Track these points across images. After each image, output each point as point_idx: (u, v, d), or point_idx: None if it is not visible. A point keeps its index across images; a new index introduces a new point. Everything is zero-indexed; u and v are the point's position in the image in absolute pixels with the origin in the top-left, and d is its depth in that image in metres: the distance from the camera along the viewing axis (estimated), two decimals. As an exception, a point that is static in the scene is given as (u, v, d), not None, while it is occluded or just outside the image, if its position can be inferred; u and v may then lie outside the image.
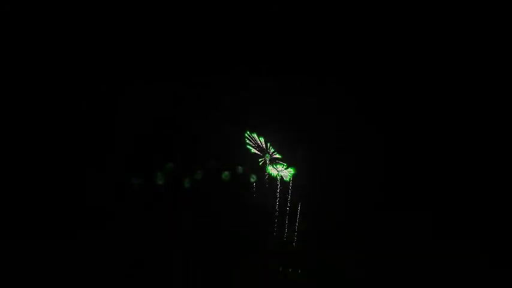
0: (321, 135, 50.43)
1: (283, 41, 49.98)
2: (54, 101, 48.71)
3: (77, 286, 44.74)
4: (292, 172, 49.25)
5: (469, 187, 48.85)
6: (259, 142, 49.48)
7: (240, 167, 49.24)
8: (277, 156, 49.35)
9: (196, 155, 50.00)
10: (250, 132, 49.43)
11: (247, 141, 49.31)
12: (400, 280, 46.62)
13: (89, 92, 49.24)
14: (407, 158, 50.07)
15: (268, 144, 49.35)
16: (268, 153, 49.18)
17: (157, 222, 47.76)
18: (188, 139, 50.08)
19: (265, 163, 49.23)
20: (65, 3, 48.05)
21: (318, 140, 50.34)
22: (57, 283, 44.46)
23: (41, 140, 48.22)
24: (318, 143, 50.28)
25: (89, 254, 45.94)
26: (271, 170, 49.32)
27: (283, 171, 49.23)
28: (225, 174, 49.05)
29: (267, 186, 49.61)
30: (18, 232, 45.83)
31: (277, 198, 49.68)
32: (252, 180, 49.10)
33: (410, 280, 46.50)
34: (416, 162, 50.00)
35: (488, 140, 49.10)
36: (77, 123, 48.90)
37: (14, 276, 43.96)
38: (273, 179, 49.50)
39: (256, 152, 49.41)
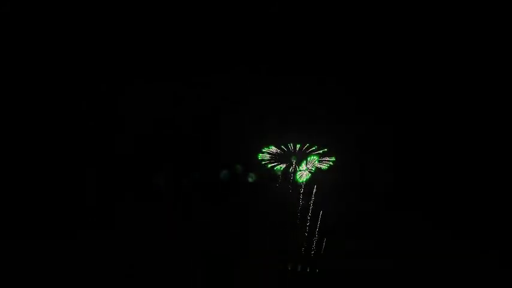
0: (322, 135, 50.44)
1: (283, 40, 49.92)
2: (54, 101, 48.73)
3: (77, 286, 44.65)
4: (333, 159, 49.16)
5: (470, 188, 48.80)
6: (274, 150, 49.56)
7: (239, 166, 49.28)
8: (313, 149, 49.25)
9: (197, 155, 50.03)
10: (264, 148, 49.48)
11: (264, 159, 49.38)
12: (401, 280, 46.62)
13: (89, 92, 49.25)
14: (411, 159, 50.06)
15: (293, 145, 49.33)
16: (295, 153, 49.03)
17: (157, 222, 47.75)
18: (188, 139, 50.12)
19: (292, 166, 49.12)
20: (65, 4, 48.06)
21: (320, 140, 50.33)
22: (57, 283, 44.37)
23: (41, 140, 48.23)
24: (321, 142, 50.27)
25: (89, 254, 45.90)
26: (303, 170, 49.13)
27: (319, 162, 48.99)
28: (224, 173, 49.10)
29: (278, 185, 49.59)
30: (18, 232, 45.81)
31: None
32: (250, 179, 49.10)
33: (412, 280, 46.50)
34: (420, 163, 49.98)
35: (489, 141, 49.09)
36: (77, 123, 48.89)
37: (14, 276, 43.90)
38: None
39: (277, 162, 49.45)
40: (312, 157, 49.29)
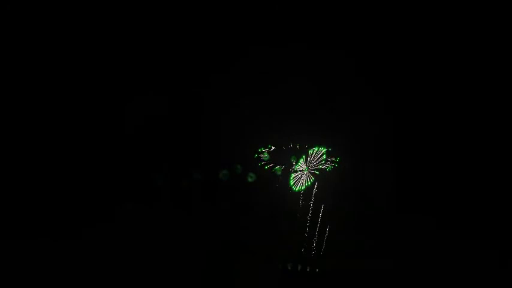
0: (322, 135, 50.45)
1: (283, 41, 49.94)
2: (54, 101, 48.89)
3: (78, 286, 44.74)
4: (337, 159, 48.86)
5: (470, 188, 48.76)
6: (273, 150, 49.43)
7: (238, 166, 49.24)
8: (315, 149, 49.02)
9: (197, 155, 50.08)
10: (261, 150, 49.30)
11: (263, 159, 49.17)
12: (401, 280, 46.64)
13: (89, 91, 49.35)
14: (413, 159, 50.06)
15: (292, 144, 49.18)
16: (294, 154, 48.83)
17: (157, 222, 47.85)
18: (188, 139, 50.15)
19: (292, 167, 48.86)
20: (65, 4, 48.22)
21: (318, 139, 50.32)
22: (58, 283, 44.48)
23: (42, 140, 48.39)
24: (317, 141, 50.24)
25: (88, 254, 46.00)
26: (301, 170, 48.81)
27: (324, 163, 48.67)
28: (224, 173, 49.08)
29: (277, 186, 49.54)
30: (18, 232, 45.95)
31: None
32: (250, 179, 49.07)
33: (412, 280, 46.51)
34: (422, 164, 49.97)
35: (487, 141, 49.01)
36: (77, 123, 49.02)
37: (14, 276, 44.03)
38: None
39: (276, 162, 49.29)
40: (317, 149, 49.06)
